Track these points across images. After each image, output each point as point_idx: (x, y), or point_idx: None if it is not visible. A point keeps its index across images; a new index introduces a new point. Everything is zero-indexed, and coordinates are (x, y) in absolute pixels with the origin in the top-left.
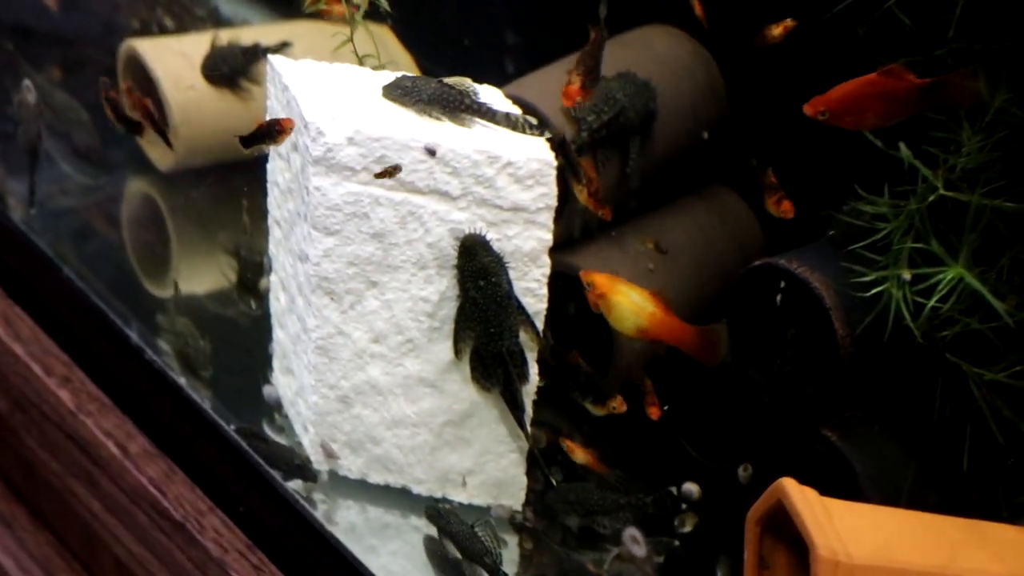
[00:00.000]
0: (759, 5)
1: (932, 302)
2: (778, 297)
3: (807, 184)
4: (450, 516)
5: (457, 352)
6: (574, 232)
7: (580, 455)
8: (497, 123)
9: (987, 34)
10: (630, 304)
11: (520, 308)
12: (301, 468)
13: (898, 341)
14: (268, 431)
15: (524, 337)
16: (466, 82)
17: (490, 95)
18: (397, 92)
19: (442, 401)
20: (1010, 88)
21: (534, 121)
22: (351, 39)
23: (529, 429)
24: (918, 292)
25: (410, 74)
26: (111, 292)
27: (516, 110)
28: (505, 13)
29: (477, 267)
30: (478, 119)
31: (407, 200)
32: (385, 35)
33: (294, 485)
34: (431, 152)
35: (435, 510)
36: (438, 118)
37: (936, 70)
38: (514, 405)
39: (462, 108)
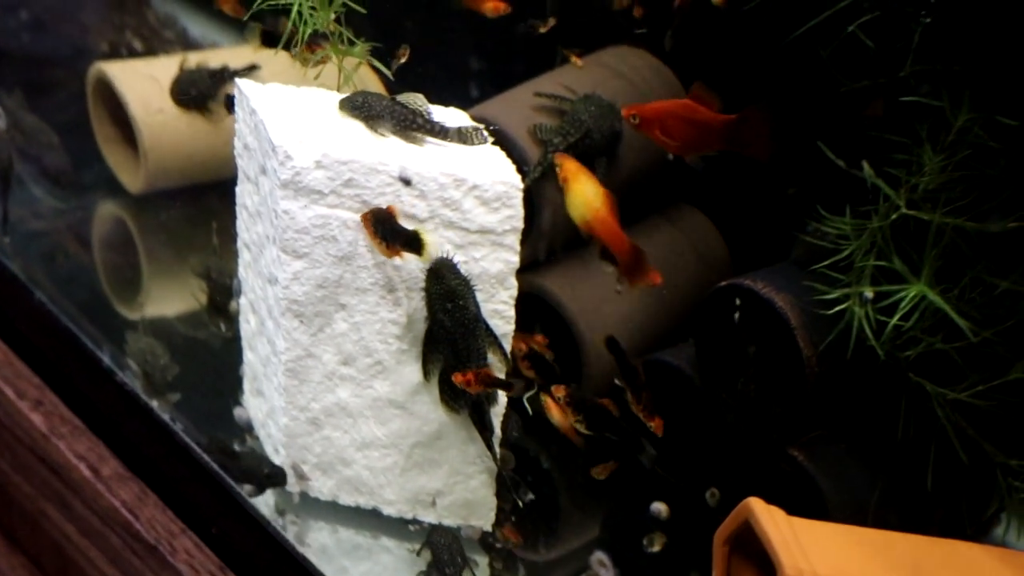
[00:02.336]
0: (723, 26)
1: (895, 320)
2: (736, 315)
3: (773, 204)
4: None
5: (426, 374)
6: (539, 254)
7: (556, 414)
8: (449, 140)
9: (949, 55)
10: (584, 197)
11: (488, 330)
12: (271, 477)
13: (863, 361)
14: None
15: (492, 359)
16: (418, 100)
17: (444, 114)
18: (349, 107)
19: (411, 423)
20: (972, 108)
21: (484, 131)
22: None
23: (497, 450)
24: (881, 310)
25: (364, 91)
26: (83, 315)
27: (467, 123)
28: (472, 39)
29: (445, 290)
30: (429, 137)
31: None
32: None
33: (266, 498)
34: (406, 182)
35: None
36: (382, 134)
37: (900, 91)
38: (482, 426)
39: (414, 127)
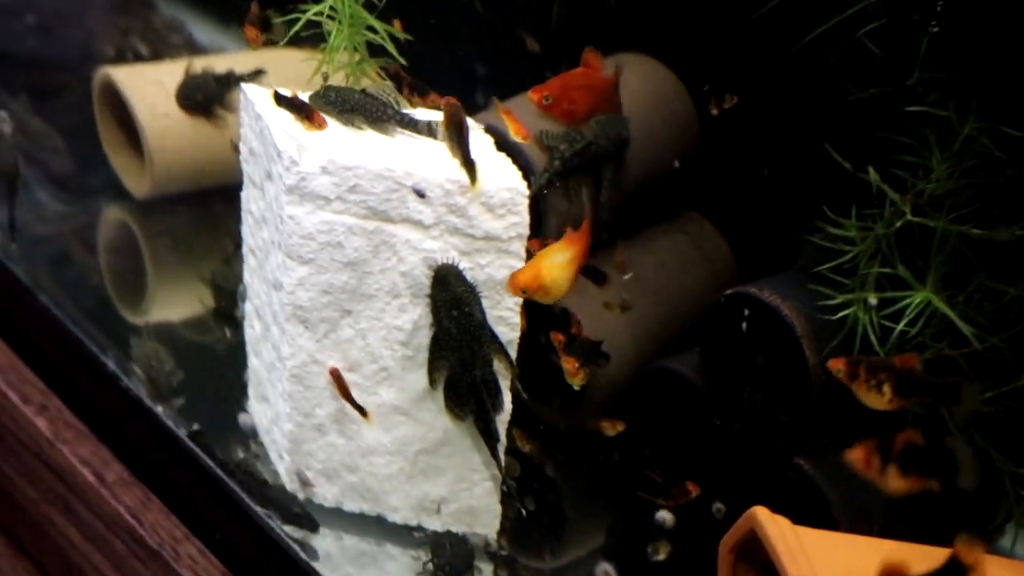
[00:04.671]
0: (729, 34)
1: (901, 326)
2: (743, 325)
3: (779, 210)
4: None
5: (432, 381)
6: None
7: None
8: (419, 132)
9: (956, 63)
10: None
11: (494, 337)
12: (301, 517)
13: None
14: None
15: (498, 366)
16: (388, 89)
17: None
18: (322, 102)
19: (416, 429)
20: (979, 117)
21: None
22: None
23: (502, 458)
24: (886, 317)
25: (335, 85)
26: (87, 319)
27: (437, 118)
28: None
29: (450, 297)
30: (400, 128)
31: (380, 229)
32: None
33: (290, 529)
34: (420, 194)
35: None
36: (360, 127)
37: (908, 100)
38: (488, 434)
39: (384, 118)
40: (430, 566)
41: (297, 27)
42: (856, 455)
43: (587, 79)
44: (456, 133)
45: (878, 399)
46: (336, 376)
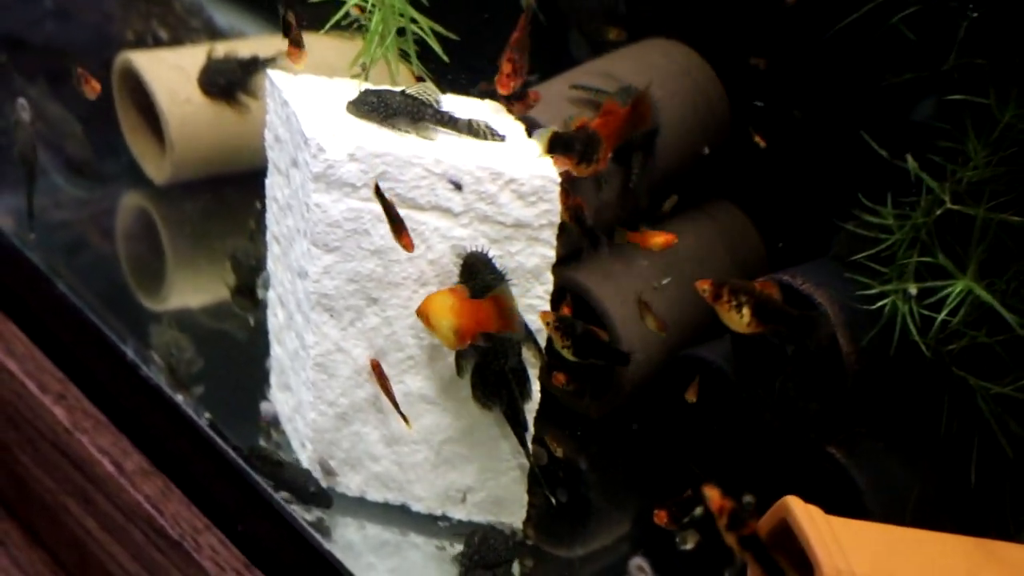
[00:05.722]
0: (762, 20)
1: (943, 315)
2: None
3: (809, 198)
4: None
5: (459, 370)
6: (579, 248)
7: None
8: (459, 131)
9: (994, 50)
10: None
11: (524, 326)
12: (316, 496)
13: (903, 356)
14: (278, 452)
15: (527, 355)
16: (429, 89)
17: (455, 103)
18: (364, 108)
19: (442, 418)
20: (1019, 104)
21: (498, 129)
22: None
23: (530, 447)
24: (924, 306)
25: (373, 87)
26: (106, 307)
27: (480, 117)
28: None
29: (480, 285)
30: (440, 128)
31: (409, 216)
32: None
33: (303, 510)
34: (457, 186)
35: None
36: (405, 131)
37: (944, 86)
38: (516, 423)
39: (424, 118)
40: (466, 559)
41: (339, 15)
42: None
43: (602, 128)
44: None
45: (738, 321)
46: (379, 372)
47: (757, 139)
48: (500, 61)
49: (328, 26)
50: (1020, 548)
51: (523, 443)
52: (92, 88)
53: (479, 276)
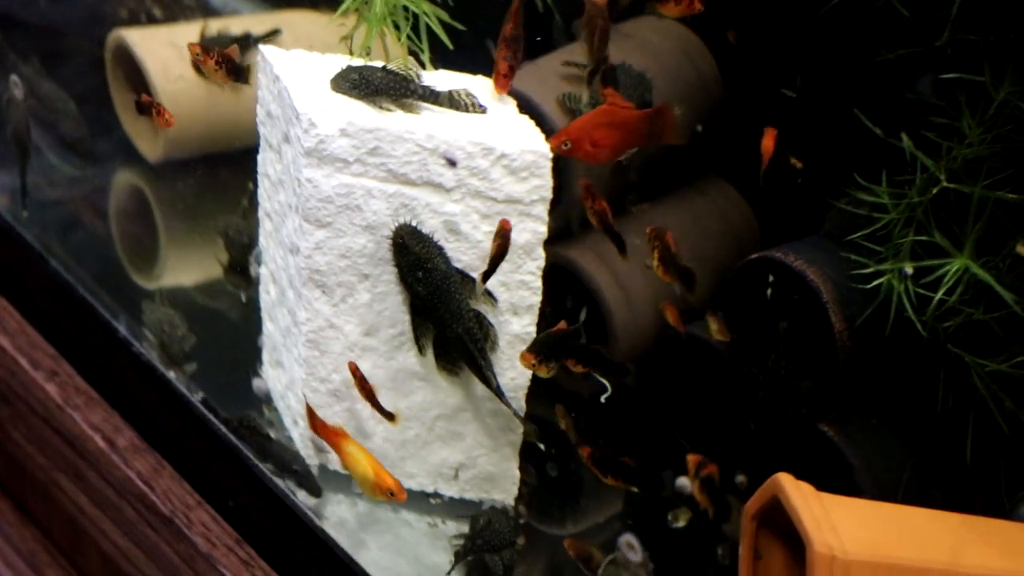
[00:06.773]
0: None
1: (939, 294)
2: (768, 291)
3: (803, 175)
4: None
5: (420, 348)
6: (570, 225)
7: None
8: (440, 104)
9: (989, 26)
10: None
11: (465, 277)
12: (297, 475)
13: (896, 333)
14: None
15: (485, 308)
16: (410, 63)
17: (437, 78)
18: (345, 85)
19: (434, 395)
20: (1014, 81)
21: (480, 100)
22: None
23: (496, 380)
24: (920, 284)
25: (355, 63)
26: (99, 284)
27: (461, 88)
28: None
29: (411, 260)
30: (423, 103)
31: (400, 192)
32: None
33: (294, 486)
34: (452, 163)
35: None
36: (389, 108)
37: (937, 63)
38: (484, 380)
39: (406, 94)
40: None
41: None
42: None
43: (609, 116)
44: None
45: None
46: (358, 375)
47: (793, 161)
48: (495, 57)
49: (340, 11)
50: (1011, 525)
51: (485, 379)
52: (165, 121)
53: (409, 251)
